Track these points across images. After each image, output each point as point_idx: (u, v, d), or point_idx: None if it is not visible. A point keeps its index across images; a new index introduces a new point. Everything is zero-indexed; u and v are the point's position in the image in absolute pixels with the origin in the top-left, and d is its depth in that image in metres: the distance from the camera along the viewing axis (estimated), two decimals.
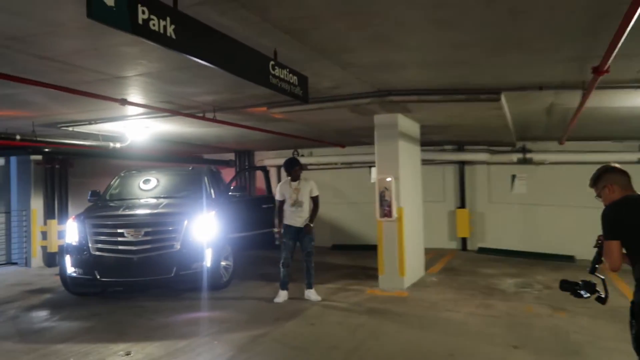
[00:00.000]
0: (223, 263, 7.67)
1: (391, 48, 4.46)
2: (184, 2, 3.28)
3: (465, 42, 4.24)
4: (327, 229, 12.58)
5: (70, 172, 10.86)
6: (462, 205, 11.70)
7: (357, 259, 10.26)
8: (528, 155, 11.02)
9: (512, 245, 10.87)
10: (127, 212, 7.23)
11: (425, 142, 11.15)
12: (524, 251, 10.56)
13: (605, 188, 2.93)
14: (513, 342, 5.02)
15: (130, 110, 7.16)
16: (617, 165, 3.00)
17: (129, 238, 6.75)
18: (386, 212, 7.34)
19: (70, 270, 6.92)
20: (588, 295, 2.75)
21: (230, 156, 13.93)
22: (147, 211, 7.21)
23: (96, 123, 8.12)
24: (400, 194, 7.45)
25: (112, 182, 8.60)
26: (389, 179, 7.36)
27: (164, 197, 8.00)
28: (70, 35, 3.91)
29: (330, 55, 4.65)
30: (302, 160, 12.60)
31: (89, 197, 8.33)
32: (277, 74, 4.38)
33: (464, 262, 9.88)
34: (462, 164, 11.72)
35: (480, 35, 4.10)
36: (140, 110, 7.07)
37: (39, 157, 10.24)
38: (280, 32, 3.98)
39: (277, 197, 6.94)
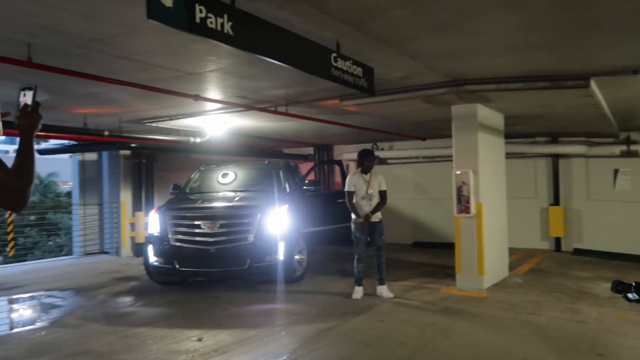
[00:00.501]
0: (297, 257, 7.95)
1: (458, 35, 4.43)
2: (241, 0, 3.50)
3: (536, 25, 4.13)
4: (409, 226, 12.55)
5: (155, 166, 11.70)
6: (556, 202, 11.17)
7: (437, 257, 10.15)
8: (633, 148, 10.29)
9: (613, 247, 10.20)
10: (204, 204, 7.72)
11: (514, 134, 10.79)
12: (626, 254, 9.88)
13: None
14: (598, 350, 4.79)
15: (208, 105, 7.60)
16: None
17: (206, 230, 7.20)
18: (464, 208, 7.23)
19: (152, 259, 7.51)
20: (637, 298, 2.58)
21: (310, 150, 14.25)
22: (223, 204, 7.65)
23: (177, 119, 8.70)
24: (479, 189, 7.30)
25: (192, 176, 9.18)
26: (467, 173, 7.24)
27: (240, 191, 8.42)
28: (142, 36, 4.28)
29: (395, 45, 4.70)
30: (382, 154, 12.71)
31: (170, 190, 8.95)
32: (339, 66, 4.51)
33: (555, 264, 9.46)
34: (556, 157, 11.17)
35: (552, 18, 3.96)
36: (217, 105, 7.49)
37: (128, 152, 11.15)
38: (340, 23, 4.10)
39: (347, 187, 7.03)
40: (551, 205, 11.18)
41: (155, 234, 7.51)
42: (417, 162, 12.44)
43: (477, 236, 7.27)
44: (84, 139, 8.71)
